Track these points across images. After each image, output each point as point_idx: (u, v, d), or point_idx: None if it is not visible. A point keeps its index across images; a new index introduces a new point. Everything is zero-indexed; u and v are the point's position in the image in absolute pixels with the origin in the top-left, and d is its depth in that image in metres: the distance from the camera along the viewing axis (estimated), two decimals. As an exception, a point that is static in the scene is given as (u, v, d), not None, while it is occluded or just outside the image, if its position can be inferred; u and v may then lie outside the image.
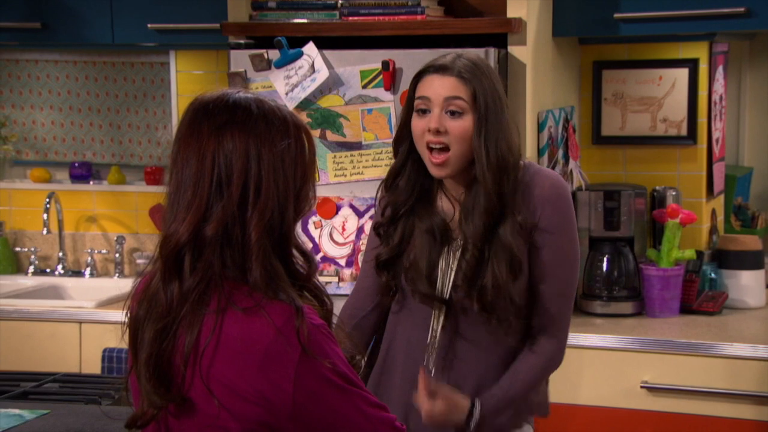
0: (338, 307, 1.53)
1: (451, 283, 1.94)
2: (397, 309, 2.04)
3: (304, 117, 3.00)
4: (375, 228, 2.03)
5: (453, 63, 1.92)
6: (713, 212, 3.44)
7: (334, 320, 1.46)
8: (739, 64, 3.55)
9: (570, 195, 1.98)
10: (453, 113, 1.91)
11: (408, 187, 1.98)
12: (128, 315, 1.46)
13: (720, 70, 3.41)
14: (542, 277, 1.93)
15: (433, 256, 1.95)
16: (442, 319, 1.95)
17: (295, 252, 1.44)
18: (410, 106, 1.96)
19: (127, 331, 1.46)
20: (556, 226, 1.93)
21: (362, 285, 2.10)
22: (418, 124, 1.94)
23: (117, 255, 3.80)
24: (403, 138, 1.98)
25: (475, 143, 1.89)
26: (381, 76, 2.95)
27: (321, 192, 3.01)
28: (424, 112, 1.93)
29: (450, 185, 1.98)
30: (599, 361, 2.94)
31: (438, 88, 1.91)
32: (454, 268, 1.94)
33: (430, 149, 1.92)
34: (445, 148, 1.91)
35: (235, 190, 1.39)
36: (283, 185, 1.41)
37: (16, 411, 2.18)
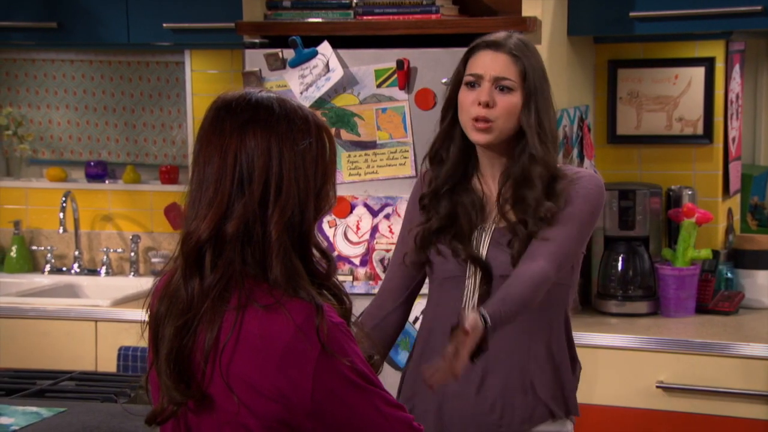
0: (355, 306, 1.53)
1: (486, 253, 1.97)
2: (432, 297, 2.06)
3: (318, 116, 3.00)
4: (421, 199, 2.04)
5: (505, 40, 1.97)
6: (729, 211, 3.42)
7: (353, 319, 1.46)
8: (755, 62, 3.53)
9: (601, 184, 2.01)
10: (503, 89, 1.95)
11: (454, 159, 2.01)
12: (148, 312, 1.47)
13: (736, 68, 3.39)
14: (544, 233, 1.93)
15: (475, 226, 1.99)
16: (477, 283, 1.97)
17: (314, 251, 1.45)
18: (458, 80, 2.00)
19: (147, 328, 1.46)
20: (575, 195, 1.95)
21: (388, 286, 2.11)
22: (467, 96, 1.97)
23: (132, 254, 3.82)
24: (449, 112, 2.02)
25: (524, 118, 1.94)
26: (395, 75, 2.95)
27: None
28: (473, 85, 1.97)
29: (487, 161, 2.00)
30: (614, 360, 2.93)
31: (490, 63, 1.96)
32: (488, 239, 1.97)
33: (476, 119, 1.96)
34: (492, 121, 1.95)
35: (257, 188, 1.39)
36: (303, 184, 1.41)
37: (34, 409, 2.19)
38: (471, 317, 1.74)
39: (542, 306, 1.93)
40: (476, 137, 1.97)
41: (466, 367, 1.74)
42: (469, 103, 1.97)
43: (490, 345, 1.83)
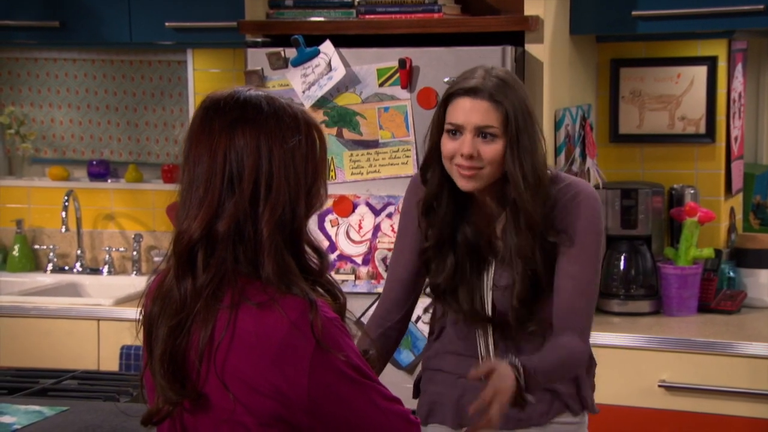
0: (354, 305, 1.53)
1: (490, 301, 1.97)
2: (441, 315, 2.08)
3: (320, 115, 3.00)
4: (422, 253, 2.02)
5: (483, 84, 1.91)
6: (732, 210, 3.42)
7: (348, 315, 1.46)
8: (758, 61, 3.53)
9: (598, 204, 1.99)
10: (485, 136, 1.91)
11: (449, 211, 1.98)
12: (142, 312, 1.47)
13: (739, 67, 3.39)
14: (564, 275, 1.94)
15: (473, 276, 1.98)
16: (489, 336, 1.99)
17: (307, 248, 1.45)
18: (440, 128, 1.96)
19: (143, 327, 1.47)
20: (581, 229, 1.94)
21: (389, 296, 2.11)
22: (449, 144, 1.94)
23: (134, 253, 3.82)
24: (433, 161, 1.98)
25: (509, 166, 1.90)
26: (398, 74, 2.95)
27: (337, 190, 3.01)
28: (454, 133, 1.93)
29: (480, 201, 1.99)
30: (617, 359, 2.93)
31: (470, 113, 1.91)
32: (490, 286, 1.97)
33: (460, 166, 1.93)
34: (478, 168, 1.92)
35: (247, 186, 1.39)
36: (294, 181, 1.41)
37: (36, 407, 2.19)
38: (503, 369, 1.79)
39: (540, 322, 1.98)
40: (463, 184, 1.94)
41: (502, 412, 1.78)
42: (450, 152, 1.93)
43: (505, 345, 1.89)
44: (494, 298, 1.98)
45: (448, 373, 2.06)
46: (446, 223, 1.98)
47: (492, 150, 1.91)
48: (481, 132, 1.91)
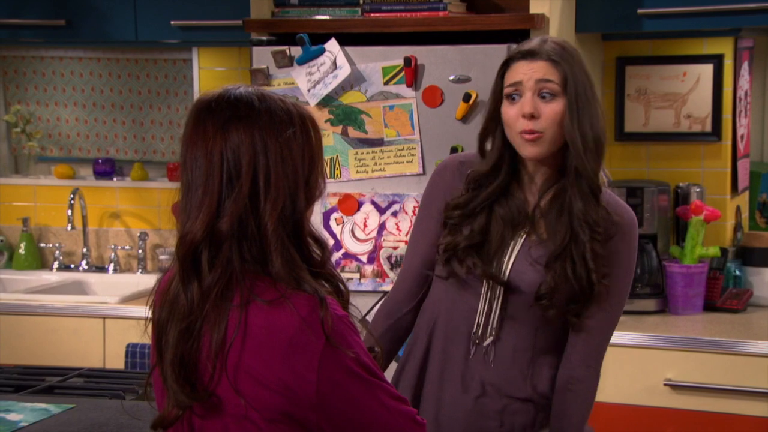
0: (358, 303, 1.53)
1: (510, 266, 1.92)
2: (439, 296, 2.00)
3: (325, 113, 3.00)
4: (451, 209, 1.96)
5: (541, 47, 1.90)
6: (737, 209, 3.41)
7: (352, 310, 1.46)
8: (764, 59, 3.52)
9: (637, 235, 1.98)
10: (545, 96, 1.88)
11: (502, 182, 1.93)
12: (151, 313, 1.47)
13: (745, 65, 3.38)
14: (595, 316, 1.92)
15: (506, 240, 1.93)
16: (494, 300, 1.92)
17: (309, 239, 1.45)
18: (498, 96, 1.93)
19: (152, 333, 1.47)
20: (622, 260, 1.93)
21: (401, 287, 2.07)
22: (510, 110, 1.90)
23: (140, 251, 3.82)
24: (491, 131, 1.94)
25: (568, 127, 1.86)
26: (403, 73, 2.95)
27: (342, 188, 3.02)
28: (514, 98, 1.90)
29: (533, 171, 1.93)
30: (622, 358, 2.93)
31: (529, 71, 1.88)
32: (516, 252, 1.92)
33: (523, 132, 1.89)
34: (540, 132, 1.88)
35: (245, 182, 1.40)
36: (292, 174, 1.41)
37: (42, 405, 2.20)
38: None
39: (549, 328, 1.93)
40: (527, 152, 1.89)
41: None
42: (513, 117, 1.88)
43: (501, 340, 1.84)
44: (513, 271, 1.91)
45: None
46: (491, 193, 1.93)
47: (552, 109, 1.87)
48: (541, 91, 1.87)
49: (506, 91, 1.91)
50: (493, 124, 1.94)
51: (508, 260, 1.92)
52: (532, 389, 1.94)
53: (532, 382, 1.94)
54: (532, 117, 1.87)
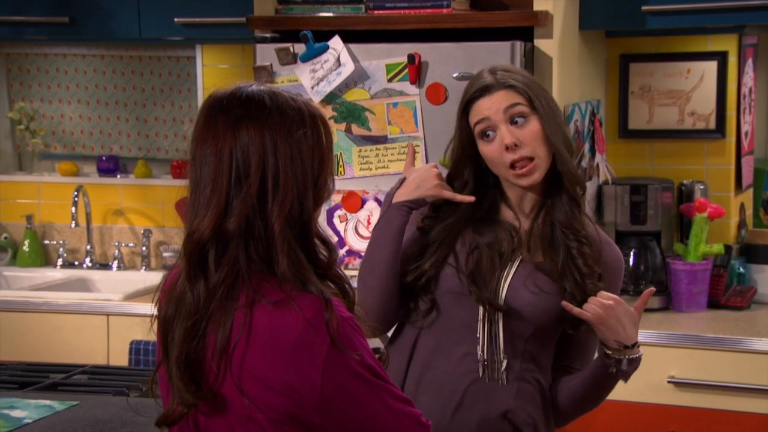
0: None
1: (505, 291, 1.90)
2: (421, 335, 1.96)
3: (329, 111, 3.00)
4: (422, 222, 1.96)
5: (493, 79, 1.89)
6: (741, 206, 3.41)
7: (357, 311, 1.46)
8: (768, 56, 3.52)
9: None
10: (517, 121, 1.88)
11: (489, 209, 1.94)
12: (157, 310, 1.47)
13: (749, 62, 3.37)
14: (590, 331, 1.94)
15: (497, 266, 1.90)
16: (491, 326, 1.91)
17: (316, 241, 1.44)
18: (467, 138, 1.91)
19: (157, 330, 1.46)
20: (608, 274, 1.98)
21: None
22: (489, 147, 1.89)
23: (144, 248, 3.83)
24: (460, 174, 1.93)
25: (552, 140, 1.87)
26: (406, 70, 2.95)
27: (346, 185, 3.02)
28: (488, 134, 1.89)
29: (521, 194, 1.93)
30: (625, 355, 2.92)
31: (493, 105, 1.88)
32: (510, 276, 1.90)
33: (513, 167, 1.88)
34: (529, 159, 1.87)
35: (254, 182, 1.39)
36: (301, 175, 1.41)
37: (47, 402, 2.20)
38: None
39: (536, 347, 1.92)
40: (524, 182, 1.88)
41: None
42: (496, 153, 1.87)
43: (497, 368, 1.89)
44: (509, 293, 1.89)
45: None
46: (471, 210, 1.93)
47: (530, 130, 1.87)
48: (513, 117, 1.87)
49: (478, 129, 1.90)
50: (462, 165, 1.93)
51: (503, 283, 1.90)
52: (506, 413, 1.92)
53: (508, 408, 1.91)
54: (515, 146, 1.87)
